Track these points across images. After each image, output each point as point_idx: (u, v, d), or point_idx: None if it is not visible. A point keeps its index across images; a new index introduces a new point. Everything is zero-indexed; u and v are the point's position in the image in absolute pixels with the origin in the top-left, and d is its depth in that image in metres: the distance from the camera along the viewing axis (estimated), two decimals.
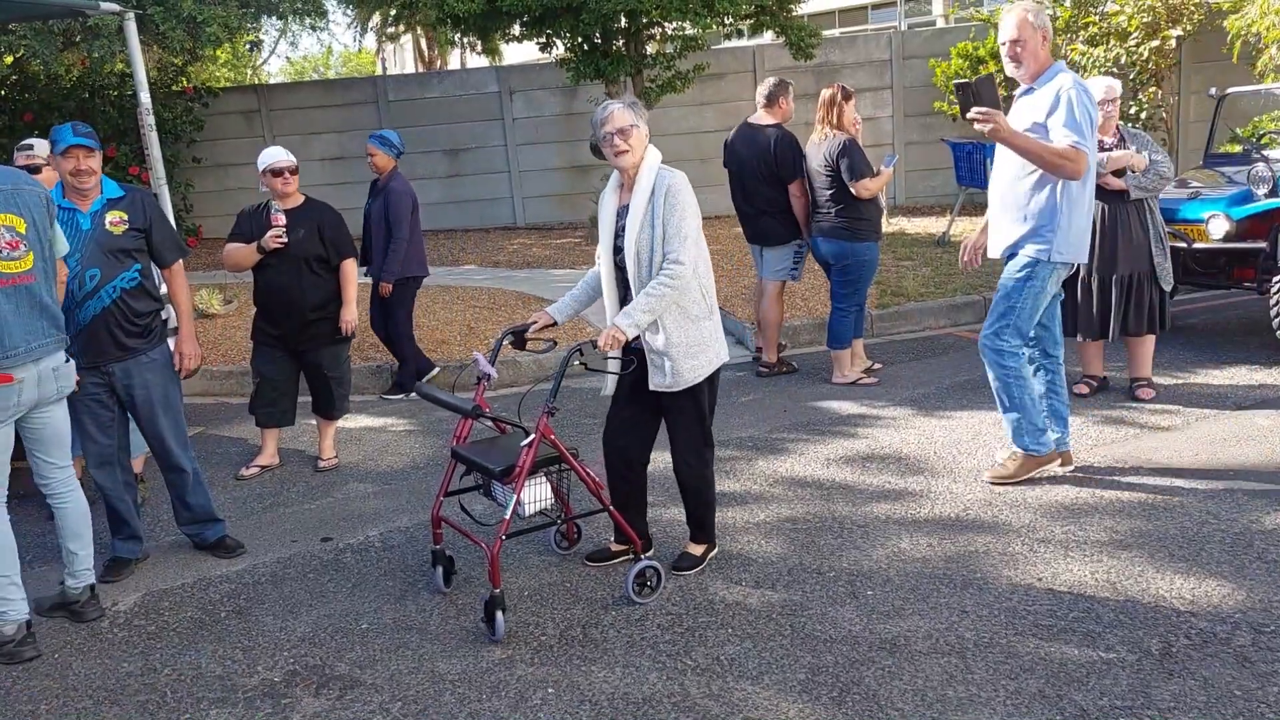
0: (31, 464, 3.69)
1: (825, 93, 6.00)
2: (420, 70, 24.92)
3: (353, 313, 5.24)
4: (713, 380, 3.71)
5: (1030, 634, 3.23)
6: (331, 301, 5.20)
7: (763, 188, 6.20)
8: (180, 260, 4.26)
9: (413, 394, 6.62)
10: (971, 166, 9.76)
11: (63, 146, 3.93)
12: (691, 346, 3.58)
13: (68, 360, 3.66)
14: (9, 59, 11.35)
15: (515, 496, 3.44)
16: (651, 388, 3.65)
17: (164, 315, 4.30)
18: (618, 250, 3.66)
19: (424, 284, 6.94)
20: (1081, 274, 5.38)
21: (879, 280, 7.88)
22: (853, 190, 5.82)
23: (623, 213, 3.66)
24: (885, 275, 8.45)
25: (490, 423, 3.82)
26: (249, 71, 23.10)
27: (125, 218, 4.03)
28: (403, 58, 32.57)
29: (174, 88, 12.32)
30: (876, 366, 6.39)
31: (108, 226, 4.00)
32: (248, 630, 3.64)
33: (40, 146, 4.84)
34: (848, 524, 4.18)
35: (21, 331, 3.44)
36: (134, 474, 4.37)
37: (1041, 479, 4.46)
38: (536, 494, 3.55)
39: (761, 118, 6.26)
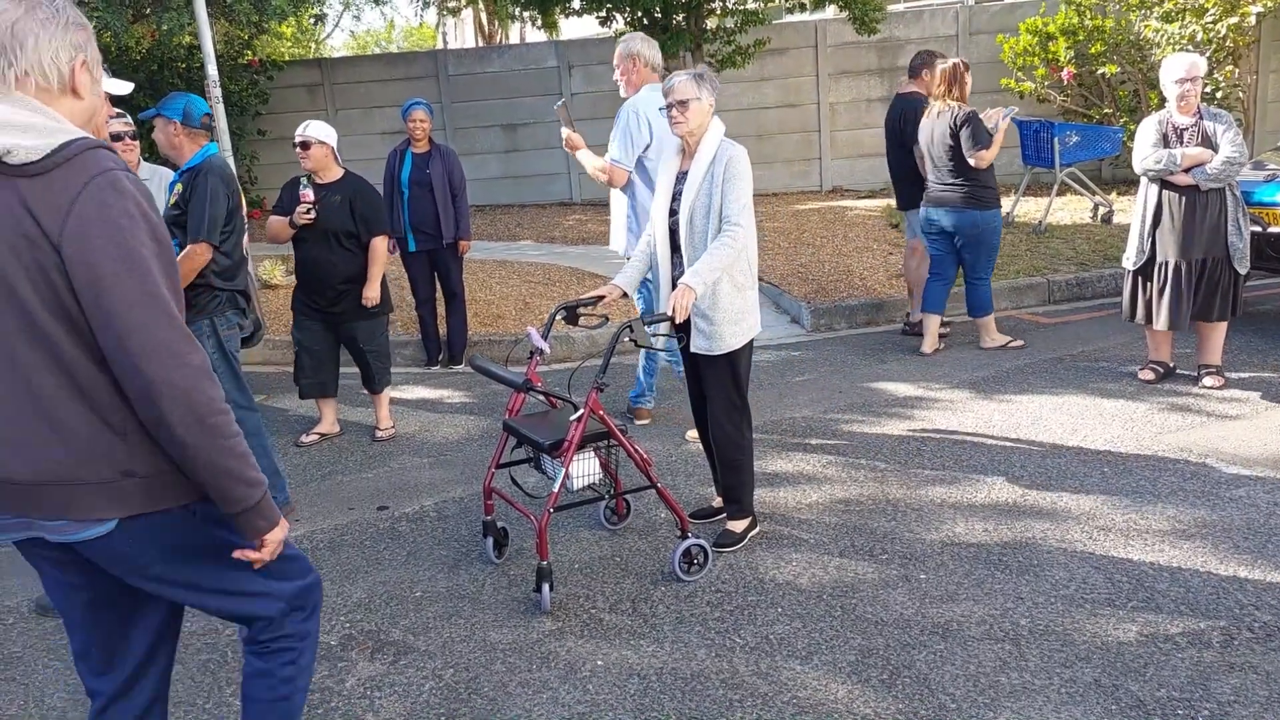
0: None
1: (944, 65, 6.12)
2: (480, 45, 24.99)
3: (375, 290, 5.24)
4: (748, 349, 3.84)
5: (1087, 623, 3.18)
6: (362, 276, 5.23)
7: (894, 153, 6.59)
8: (195, 244, 3.99)
9: (466, 366, 6.69)
10: (1038, 145, 9.53)
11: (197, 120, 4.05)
12: (736, 313, 3.73)
13: None
14: None
15: (564, 470, 3.46)
16: (691, 350, 3.80)
17: (237, 287, 4.24)
18: (672, 213, 3.83)
19: (480, 259, 7.01)
20: (1158, 259, 5.24)
21: None
22: (971, 160, 5.92)
23: (681, 178, 3.82)
24: None
25: (541, 397, 3.85)
26: (313, 45, 23.35)
27: (180, 191, 4.08)
28: (463, 32, 32.67)
29: (240, 61, 12.51)
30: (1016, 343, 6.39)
31: (169, 199, 4.08)
32: None
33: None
34: (901, 507, 4.14)
35: None
36: None
37: (1102, 465, 4.37)
38: (585, 469, 3.57)
39: (905, 86, 6.61)
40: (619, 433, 3.60)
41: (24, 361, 1.81)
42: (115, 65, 11.98)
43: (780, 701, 2.89)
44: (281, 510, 4.19)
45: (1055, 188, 9.45)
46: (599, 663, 3.15)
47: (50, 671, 3.32)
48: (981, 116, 6.04)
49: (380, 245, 5.25)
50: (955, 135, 5.96)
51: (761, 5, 10.03)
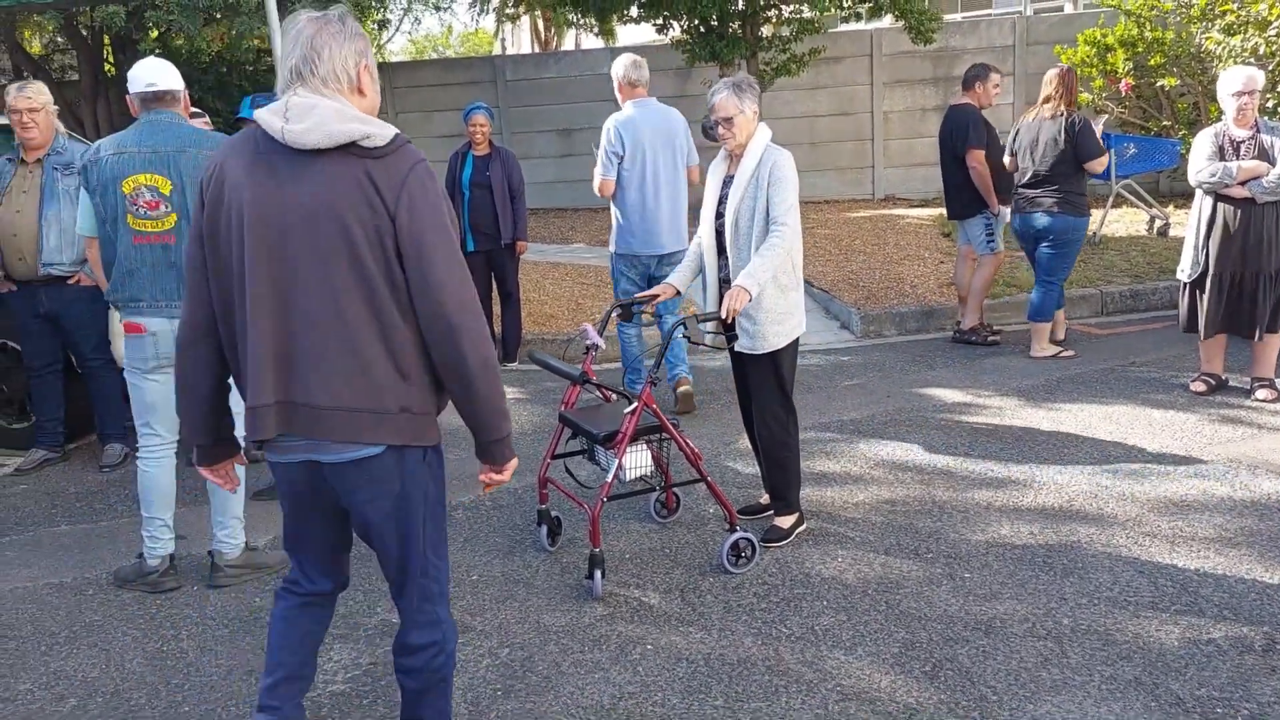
0: (136, 425, 3.89)
1: (1054, 71, 6.22)
2: (536, 50, 25.29)
3: None
4: (793, 348, 3.92)
5: (1130, 624, 3.23)
6: None
7: (947, 163, 6.66)
8: None
9: (520, 362, 6.85)
10: None
11: (240, 116, 4.24)
12: (780, 313, 3.81)
13: None
14: (154, 33, 11.98)
15: (617, 461, 3.58)
16: (736, 349, 3.90)
17: None
18: (719, 216, 3.93)
19: (534, 260, 7.20)
20: (1213, 271, 5.24)
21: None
22: (1087, 168, 6.04)
23: (728, 182, 3.91)
24: (1000, 266, 8.29)
25: (596, 390, 3.97)
26: (374, 49, 23.81)
27: None
28: (519, 37, 33.05)
29: None
30: (1067, 354, 6.42)
31: None
32: (368, 575, 3.88)
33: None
34: (947, 508, 4.20)
35: (151, 287, 3.70)
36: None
37: (1150, 474, 4.40)
38: (637, 460, 3.69)
39: (959, 98, 6.68)
40: (671, 426, 3.71)
41: (347, 306, 2.17)
42: (186, 67, 12.37)
43: (824, 689, 2.98)
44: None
45: (1110, 199, 9.40)
46: (649, 647, 3.26)
47: (128, 639, 3.51)
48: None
49: None
50: (1069, 140, 5.99)
51: (817, 15, 10.10)
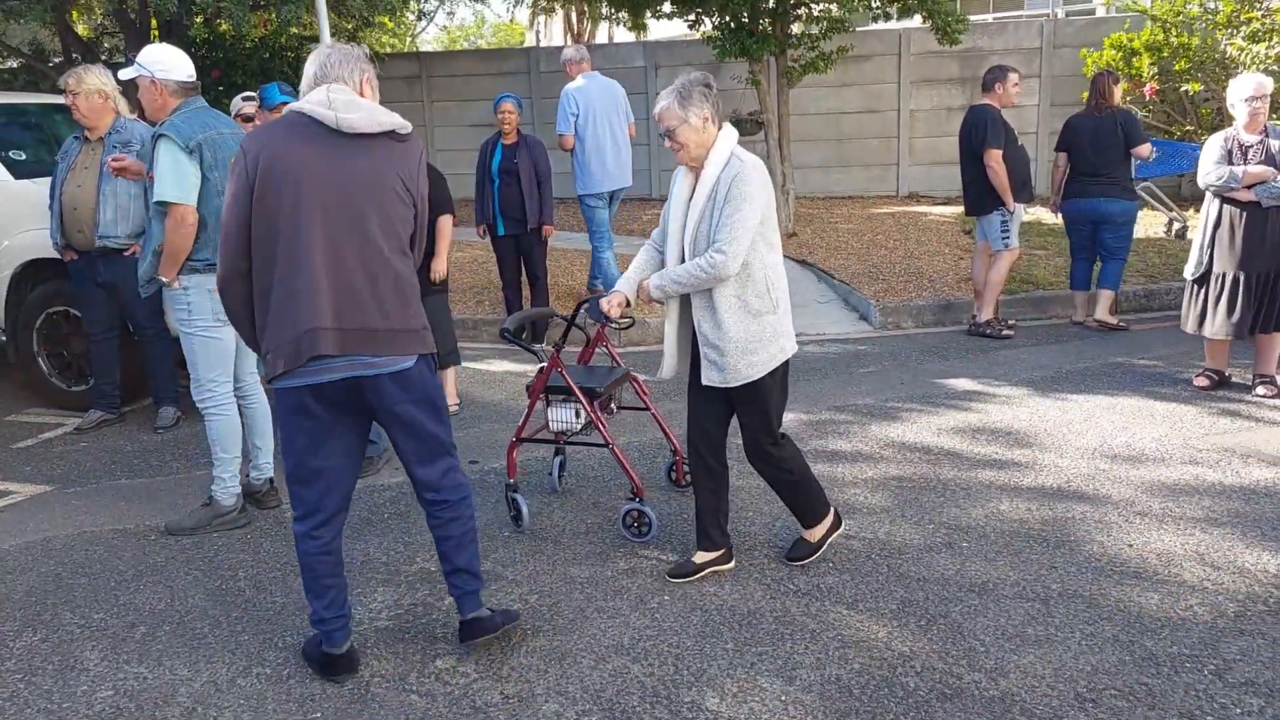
0: (204, 380, 4.28)
1: (1107, 75, 7.06)
2: (569, 42, 25.56)
3: (443, 264, 5.52)
4: (779, 375, 3.54)
5: (1113, 590, 3.47)
6: (429, 256, 5.48)
7: (966, 161, 6.96)
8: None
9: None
10: None
11: (272, 103, 4.53)
12: (750, 342, 3.43)
13: None
14: (199, 17, 12.34)
15: (527, 410, 4.19)
16: (703, 382, 3.51)
17: None
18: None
19: (562, 247, 7.54)
20: (1216, 270, 5.45)
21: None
22: (1135, 154, 6.91)
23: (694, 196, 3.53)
24: (1016, 262, 8.50)
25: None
26: (409, 38, 24.16)
27: None
28: (552, 30, 33.33)
29: None
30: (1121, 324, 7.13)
31: None
32: (407, 529, 4.18)
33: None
34: (951, 485, 4.45)
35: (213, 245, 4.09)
36: None
37: (1146, 460, 4.62)
38: (560, 415, 4.08)
39: (980, 99, 7.00)
40: (580, 392, 4.02)
41: (389, 252, 2.91)
42: (229, 52, 12.74)
43: (826, 637, 3.25)
44: (374, 461, 4.74)
45: None
46: (665, 597, 3.54)
47: (189, 578, 3.83)
48: None
49: (445, 223, 5.53)
50: (1123, 133, 6.80)
51: (845, 14, 10.29)
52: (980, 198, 6.89)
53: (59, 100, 6.27)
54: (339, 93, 2.85)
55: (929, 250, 9.34)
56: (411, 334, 2.93)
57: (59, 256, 5.63)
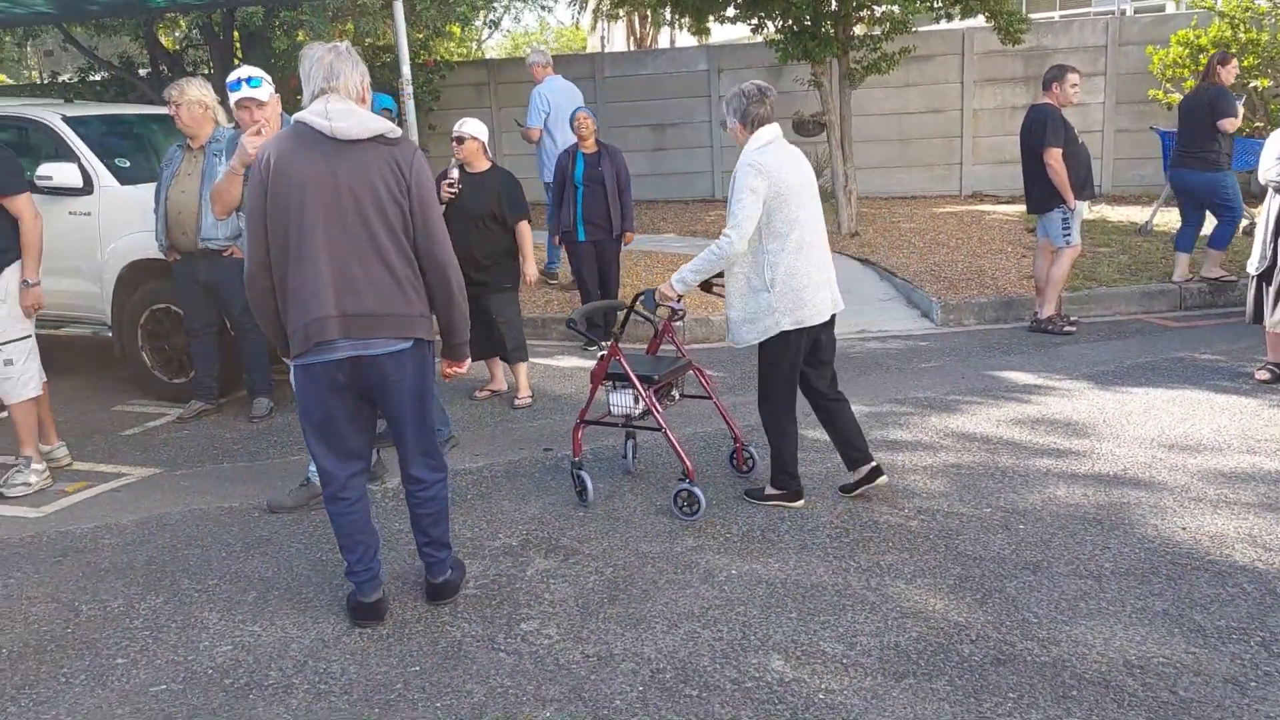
0: None
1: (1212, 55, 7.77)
2: (630, 48, 25.89)
3: (531, 266, 5.96)
4: (779, 344, 4.15)
5: (1165, 569, 3.61)
6: (503, 256, 5.87)
7: (1028, 160, 7.06)
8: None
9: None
10: None
11: None
12: (750, 313, 4.15)
13: None
14: (280, 29, 12.87)
15: (589, 395, 4.52)
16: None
17: None
18: None
19: (628, 249, 7.80)
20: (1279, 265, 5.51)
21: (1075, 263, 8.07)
22: (1220, 127, 7.32)
23: None
24: (1079, 260, 8.55)
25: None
26: (474, 45, 24.69)
27: None
28: (613, 35, 33.71)
29: (417, 60, 13.60)
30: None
31: None
32: (489, 509, 4.47)
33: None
34: (1009, 473, 4.60)
35: None
36: None
37: (1204, 449, 4.72)
38: (620, 400, 4.37)
39: (1041, 97, 7.12)
40: (637, 380, 4.29)
41: (384, 245, 3.24)
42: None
43: (885, 609, 3.45)
44: (446, 444, 5.05)
45: None
46: (733, 572, 3.77)
47: (294, 549, 4.16)
48: None
49: (525, 228, 5.92)
50: (1210, 108, 7.28)
51: (908, 16, 10.39)
52: (1041, 196, 6.99)
53: (155, 110, 6.71)
54: (335, 103, 3.18)
55: (991, 249, 9.42)
56: (403, 318, 3.26)
57: (163, 257, 6.03)
